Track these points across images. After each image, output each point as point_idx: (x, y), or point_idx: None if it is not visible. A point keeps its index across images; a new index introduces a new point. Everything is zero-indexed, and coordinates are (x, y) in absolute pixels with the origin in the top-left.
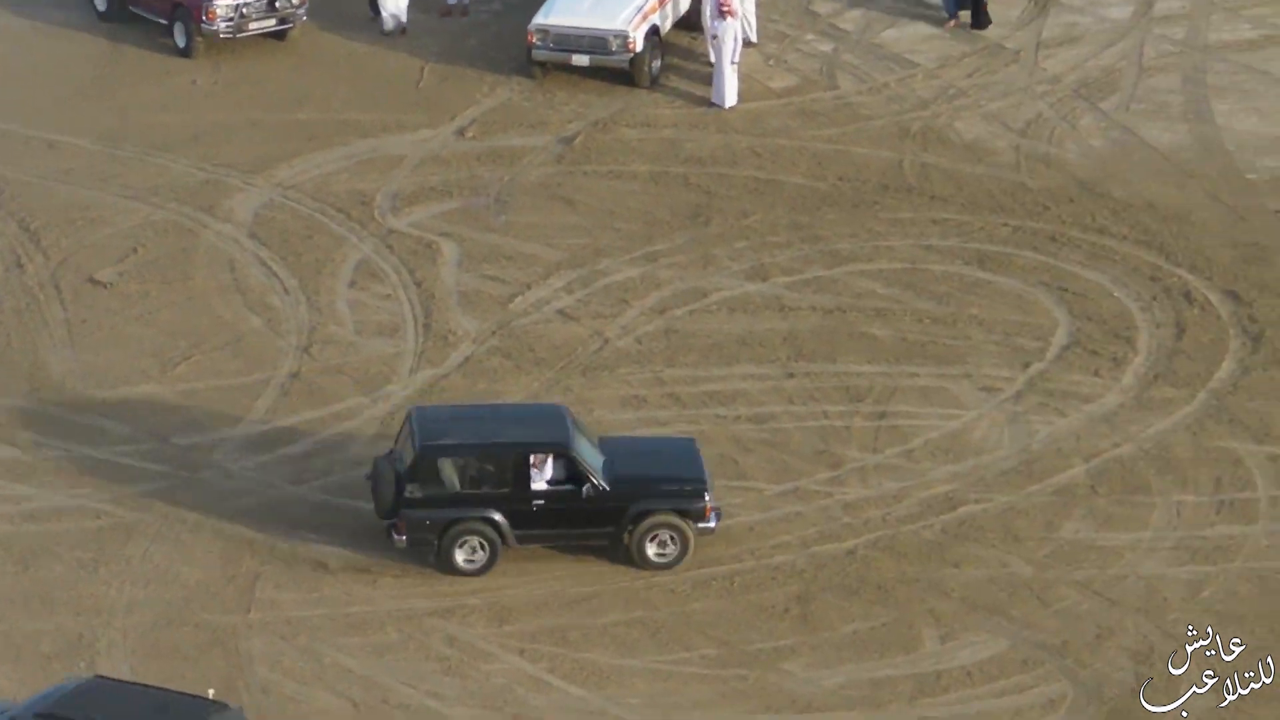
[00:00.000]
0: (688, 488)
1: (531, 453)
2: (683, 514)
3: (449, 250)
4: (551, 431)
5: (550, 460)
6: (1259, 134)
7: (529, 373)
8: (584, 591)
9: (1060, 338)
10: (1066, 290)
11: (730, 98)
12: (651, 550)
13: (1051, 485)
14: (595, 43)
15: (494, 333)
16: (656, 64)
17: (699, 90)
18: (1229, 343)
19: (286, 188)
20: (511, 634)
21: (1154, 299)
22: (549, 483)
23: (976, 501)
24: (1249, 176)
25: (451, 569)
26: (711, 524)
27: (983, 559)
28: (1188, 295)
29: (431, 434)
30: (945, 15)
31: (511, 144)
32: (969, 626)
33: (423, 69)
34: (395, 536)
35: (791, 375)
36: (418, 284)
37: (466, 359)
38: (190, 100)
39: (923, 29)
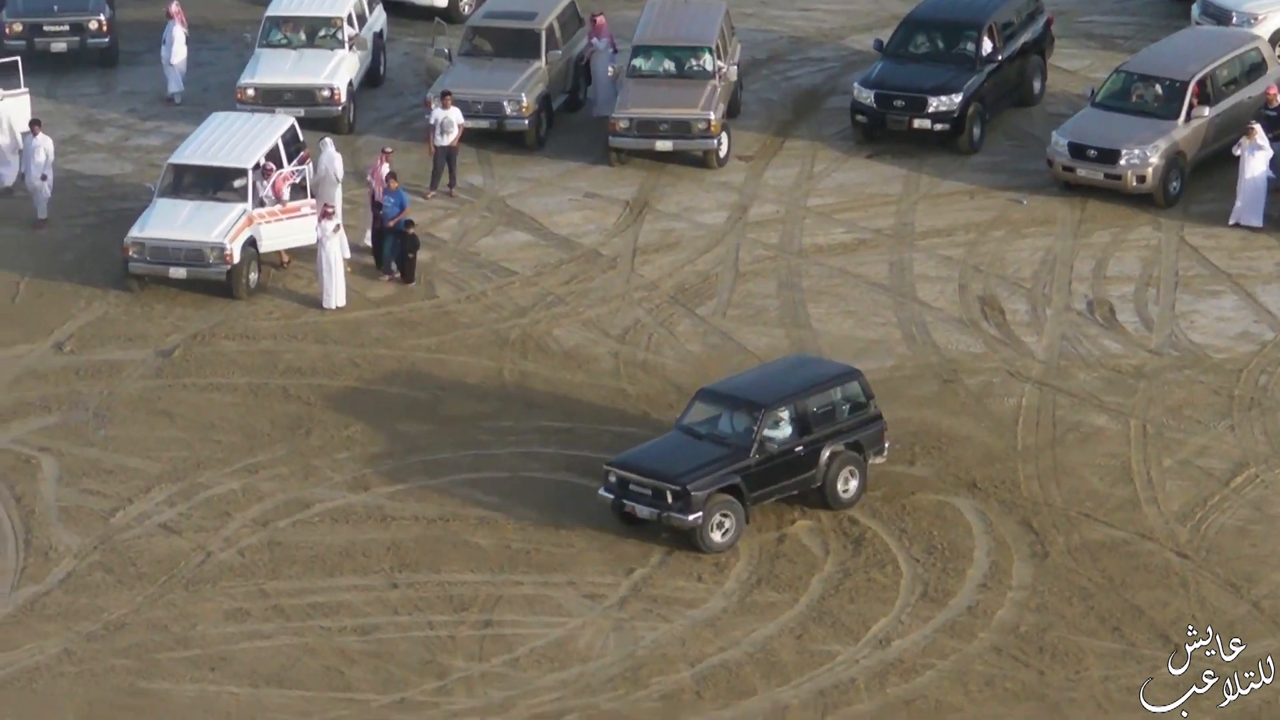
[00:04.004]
0: None
1: None
2: None
3: (48, 466)
4: None
5: None
6: (854, 337)
7: (131, 587)
8: None
9: (663, 543)
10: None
11: (341, 297)
12: None
13: (657, 691)
14: (192, 255)
15: (95, 548)
16: (254, 275)
17: (298, 300)
18: (830, 545)
19: None
20: None
21: (754, 504)
22: None
23: (584, 709)
24: None
25: None
26: None
27: None
28: (788, 498)
29: None
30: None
31: (110, 358)
32: None
33: (18, 284)
34: None
35: (395, 585)
36: (17, 500)
37: (69, 575)
38: None
39: (520, 237)
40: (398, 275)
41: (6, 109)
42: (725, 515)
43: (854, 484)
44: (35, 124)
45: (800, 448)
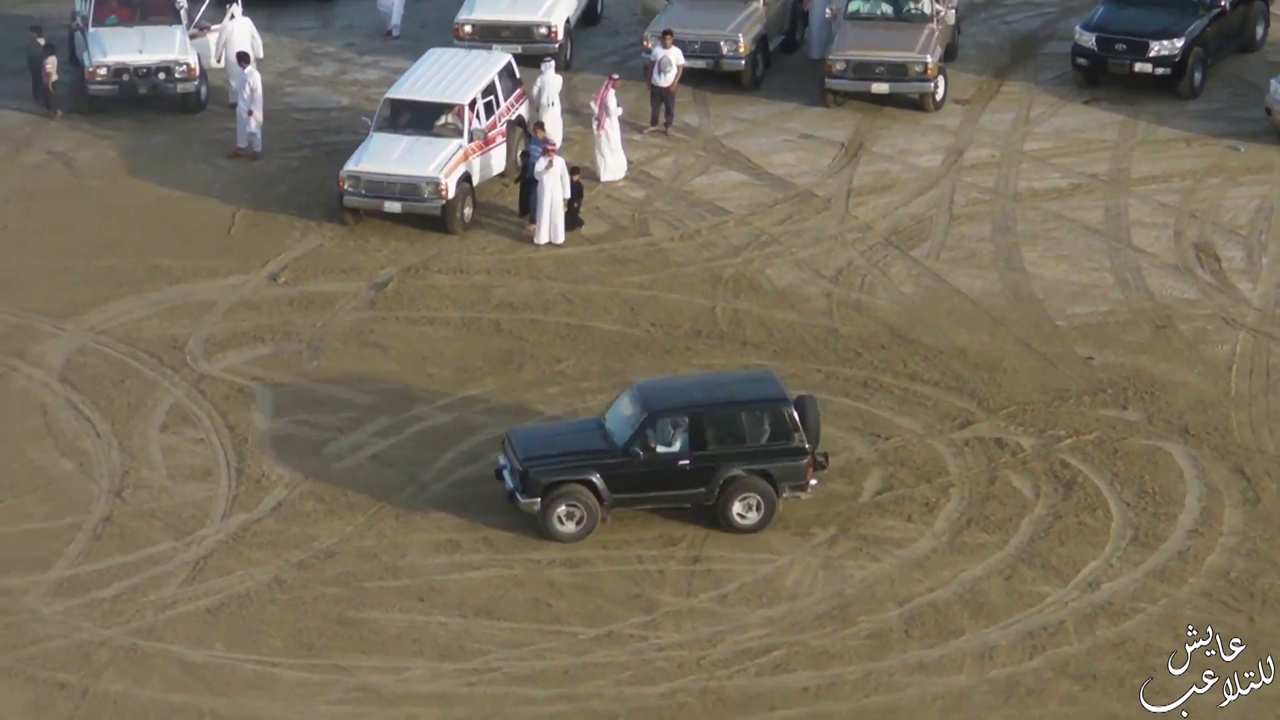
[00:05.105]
0: None
1: None
2: None
3: (262, 395)
4: None
5: None
6: (1068, 281)
7: (342, 516)
8: None
9: (873, 483)
10: (879, 435)
11: (560, 234)
12: None
13: (865, 629)
14: (407, 189)
15: (307, 477)
16: (469, 210)
17: (512, 236)
18: (1041, 488)
19: (98, 333)
20: None
21: (966, 445)
22: None
23: (791, 646)
24: (1058, 323)
25: None
26: None
27: (799, 703)
28: (999, 441)
29: None
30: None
31: (324, 290)
32: None
33: (234, 215)
34: None
35: (604, 519)
36: (230, 428)
37: (280, 503)
38: None
39: (734, 176)
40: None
41: (240, 26)
42: (573, 507)
43: (757, 513)
44: (244, 57)
45: (687, 461)
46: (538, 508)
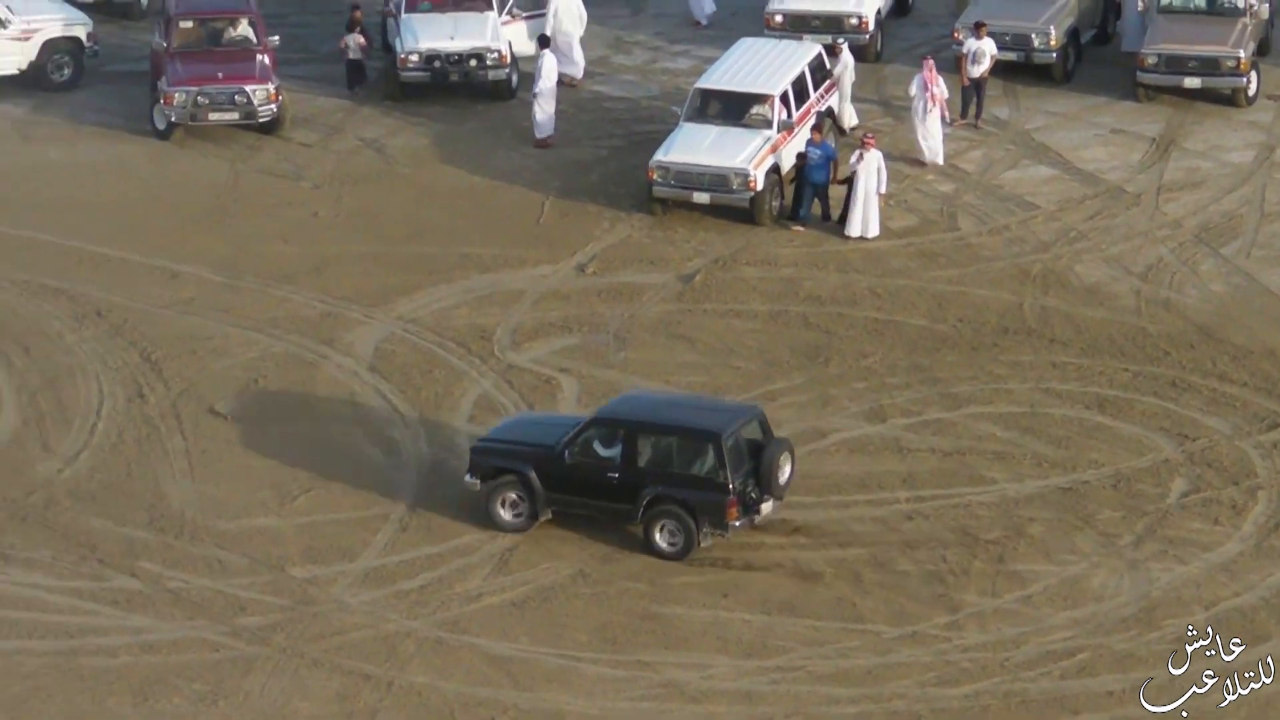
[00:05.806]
0: None
1: None
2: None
3: (568, 386)
4: None
5: None
6: None
7: None
8: None
9: (1180, 485)
10: (1187, 436)
11: (873, 228)
12: None
13: (1171, 633)
14: (716, 180)
15: None
16: (777, 202)
17: (820, 228)
18: None
19: (407, 321)
20: None
21: (1274, 447)
22: None
23: (1096, 649)
24: None
25: None
26: None
27: (1102, 707)
28: None
29: None
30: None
31: (631, 280)
32: None
33: (543, 204)
34: None
35: (910, 518)
36: None
37: None
38: (311, 232)
39: (1043, 171)
40: (800, 228)
41: (567, 5)
42: (512, 497)
43: (676, 542)
44: (543, 40)
45: (615, 474)
46: (477, 488)
